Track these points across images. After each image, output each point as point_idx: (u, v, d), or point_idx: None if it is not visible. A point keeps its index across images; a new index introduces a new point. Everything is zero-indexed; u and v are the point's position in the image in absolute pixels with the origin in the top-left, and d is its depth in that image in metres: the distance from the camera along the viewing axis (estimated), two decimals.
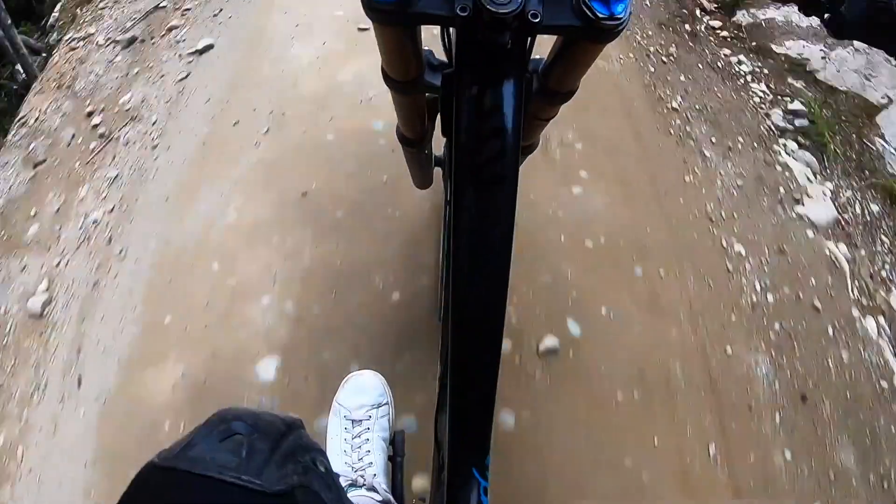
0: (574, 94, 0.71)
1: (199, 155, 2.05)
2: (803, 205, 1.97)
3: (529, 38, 0.57)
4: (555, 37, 0.60)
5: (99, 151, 2.17)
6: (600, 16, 0.50)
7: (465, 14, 0.50)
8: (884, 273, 1.83)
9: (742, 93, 2.37)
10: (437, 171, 1.47)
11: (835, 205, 1.98)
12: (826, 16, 0.66)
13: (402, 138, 0.99)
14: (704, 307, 1.67)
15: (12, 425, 1.52)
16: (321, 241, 1.72)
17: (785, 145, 2.17)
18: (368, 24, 0.55)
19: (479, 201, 0.59)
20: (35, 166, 2.18)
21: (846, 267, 1.82)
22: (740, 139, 2.17)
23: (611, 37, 0.53)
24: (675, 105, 2.28)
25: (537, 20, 0.50)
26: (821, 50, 2.43)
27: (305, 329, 1.55)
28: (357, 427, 1.16)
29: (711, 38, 2.63)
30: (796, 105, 2.27)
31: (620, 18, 0.51)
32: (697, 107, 2.29)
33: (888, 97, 2.25)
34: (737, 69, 2.46)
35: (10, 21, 2.58)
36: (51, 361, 1.63)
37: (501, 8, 0.48)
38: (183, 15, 2.73)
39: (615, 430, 1.42)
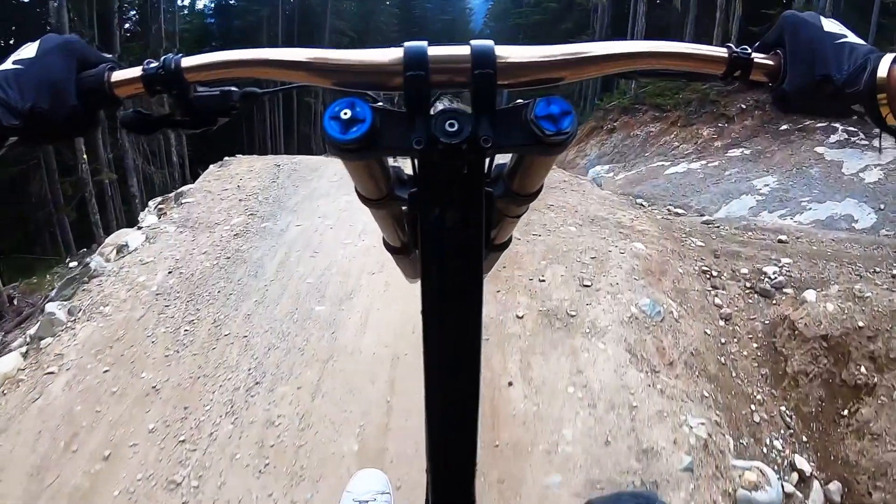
0: (539, 193, 0.77)
1: None
2: None
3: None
4: None
5: None
6: (548, 133, 0.55)
7: (420, 147, 0.55)
8: None
9: None
10: None
11: None
12: (770, 92, 0.69)
13: (388, 247, 1.04)
14: None
15: None
16: None
17: None
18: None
19: (445, 314, 0.65)
20: None
21: None
22: None
23: (560, 149, 0.58)
24: None
25: (489, 145, 0.55)
26: None
27: None
28: None
29: None
30: None
31: (567, 133, 0.55)
32: None
33: None
34: None
35: None
36: None
37: (453, 139, 0.54)
38: None
39: None
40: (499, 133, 0.56)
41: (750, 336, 3.88)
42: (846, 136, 10.35)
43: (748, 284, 4.42)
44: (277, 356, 3.15)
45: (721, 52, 0.64)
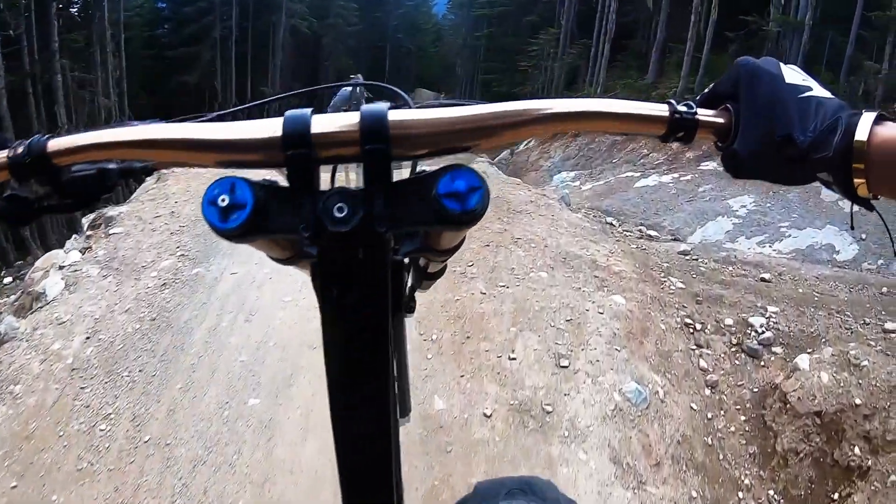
0: (460, 247, 0.75)
1: None
2: None
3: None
4: None
5: None
6: (453, 212, 0.51)
7: (308, 235, 0.52)
8: None
9: None
10: None
11: None
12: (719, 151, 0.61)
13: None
14: None
15: None
16: None
17: None
18: None
19: (351, 394, 0.60)
20: None
21: None
22: None
23: (470, 226, 0.53)
24: None
25: (384, 230, 0.52)
26: None
27: None
28: None
29: None
30: None
31: (475, 212, 0.51)
32: None
33: None
34: None
35: None
36: None
37: (342, 226, 0.51)
38: None
39: None
40: (398, 209, 0.53)
41: (738, 407, 3.68)
42: None
43: (734, 340, 4.21)
44: (205, 475, 2.72)
45: (661, 110, 0.58)
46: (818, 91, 0.56)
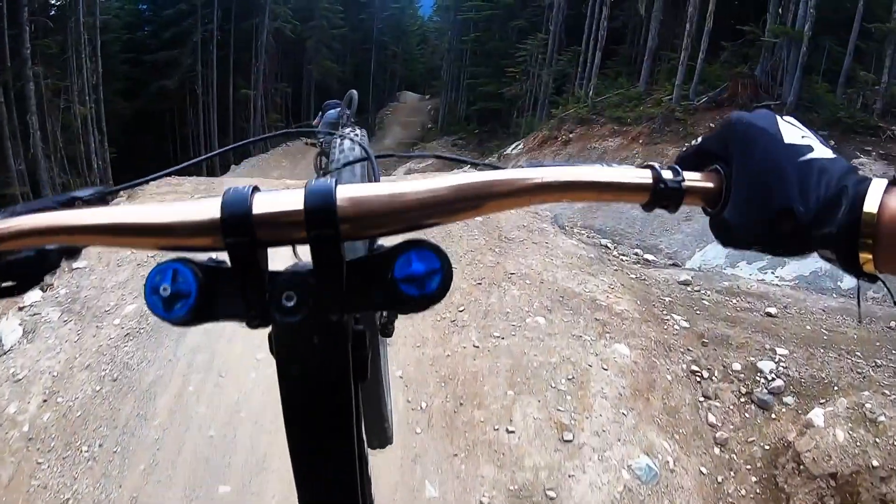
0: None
1: None
2: None
3: None
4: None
5: None
6: (411, 297, 0.49)
7: (256, 324, 0.50)
8: None
9: None
10: None
11: None
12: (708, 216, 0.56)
13: None
14: None
15: None
16: None
17: None
18: None
19: (312, 466, 0.57)
20: None
21: None
22: None
23: (431, 307, 0.51)
24: None
25: (336, 318, 0.50)
26: None
27: None
28: None
29: None
30: None
31: (435, 295, 0.49)
32: None
33: None
34: None
35: None
36: None
37: (290, 318, 0.49)
38: None
39: None
40: (352, 294, 0.50)
41: (748, 467, 3.49)
42: None
43: (743, 389, 4.01)
44: None
45: (643, 178, 0.52)
46: (819, 151, 0.50)
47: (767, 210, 0.49)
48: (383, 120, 40.61)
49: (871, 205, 0.45)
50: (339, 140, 1.39)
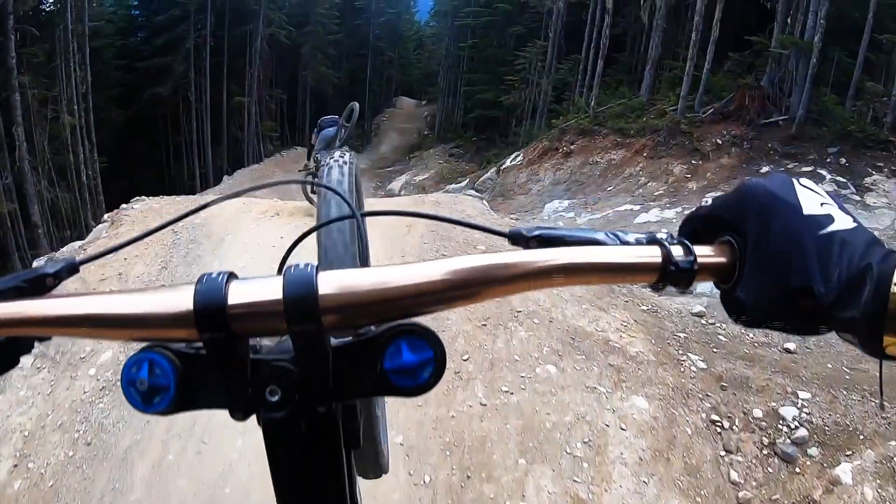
0: None
1: None
2: None
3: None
4: None
5: None
6: (403, 388, 0.48)
7: (240, 417, 0.48)
8: None
9: None
10: None
11: None
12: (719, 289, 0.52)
13: None
14: None
15: None
16: None
17: None
18: None
19: None
20: None
21: None
22: None
23: (423, 394, 0.49)
24: None
25: (324, 409, 0.48)
26: None
27: None
28: None
29: None
30: None
31: (428, 384, 0.48)
32: None
33: None
34: None
35: None
36: None
37: (274, 413, 0.47)
38: None
39: None
40: (339, 385, 0.49)
41: None
42: (835, 188, 9.76)
43: (765, 440, 3.81)
44: None
45: (652, 257, 0.50)
46: (840, 221, 0.46)
47: (785, 289, 0.46)
48: (379, 126, 40.46)
49: None
50: (326, 171, 1.32)
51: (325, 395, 0.48)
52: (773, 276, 0.46)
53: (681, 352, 4.61)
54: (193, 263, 5.35)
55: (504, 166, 17.15)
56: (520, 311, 4.74)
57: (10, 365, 0.54)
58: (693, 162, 11.56)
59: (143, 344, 0.49)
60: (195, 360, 0.48)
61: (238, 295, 0.46)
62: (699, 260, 0.50)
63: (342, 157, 1.36)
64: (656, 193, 10.86)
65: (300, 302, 0.45)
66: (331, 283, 0.46)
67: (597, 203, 11.43)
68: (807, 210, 0.47)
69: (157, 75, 27.86)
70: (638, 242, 0.52)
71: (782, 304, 0.46)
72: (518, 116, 24.28)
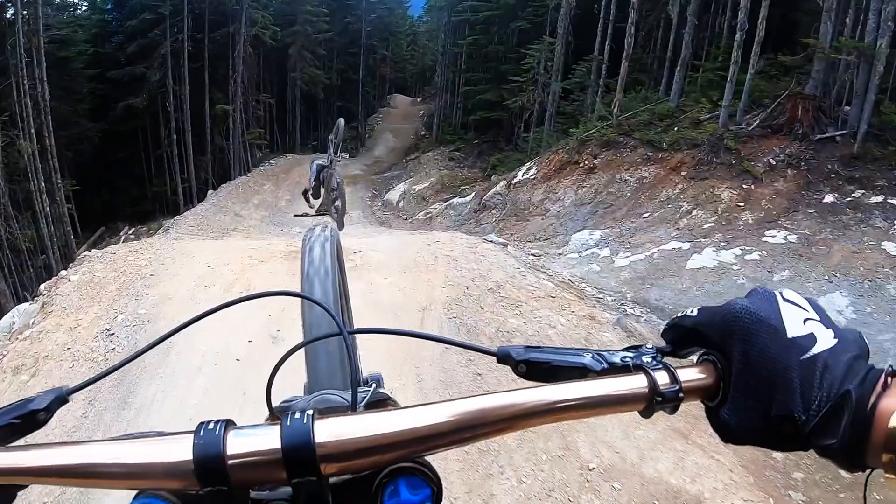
0: None
1: None
2: None
3: None
4: None
5: None
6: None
7: None
8: None
9: None
10: None
11: None
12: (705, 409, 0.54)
13: None
14: None
15: None
16: None
17: None
18: None
19: None
20: None
21: None
22: None
23: None
24: None
25: None
26: None
27: None
28: None
29: None
30: None
31: None
32: None
33: None
34: None
35: None
36: None
37: None
38: None
39: None
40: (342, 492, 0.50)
41: None
42: None
43: None
44: None
45: (639, 387, 0.52)
46: (823, 340, 0.48)
47: (768, 415, 0.48)
48: (374, 127, 39.27)
49: (884, 416, 0.43)
50: (307, 250, 1.24)
51: None
52: (756, 400, 0.48)
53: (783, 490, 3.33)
54: (124, 405, 4.12)
55: (515, 180, 15.72)
56: (593, 468, 3.43)
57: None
58: (744, 186, 10.01)
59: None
60: (196, 500, 0.47)
61: (236, 445, 0.46)
62: (684, 385, 0.52)
63: (323, 232, 1.30)
64: (706, 226, 9.39)
65: (298, 452, 0.46)
66: (328, 431, 0.47)
67: (634, 235, 9.97)
68: (790, 332, 0.49)
69: (129, 85, 26.33)
70: (623, 362, 0.55)
71: (765, 428, 0.48)
72: (526, 120, 22.78)
